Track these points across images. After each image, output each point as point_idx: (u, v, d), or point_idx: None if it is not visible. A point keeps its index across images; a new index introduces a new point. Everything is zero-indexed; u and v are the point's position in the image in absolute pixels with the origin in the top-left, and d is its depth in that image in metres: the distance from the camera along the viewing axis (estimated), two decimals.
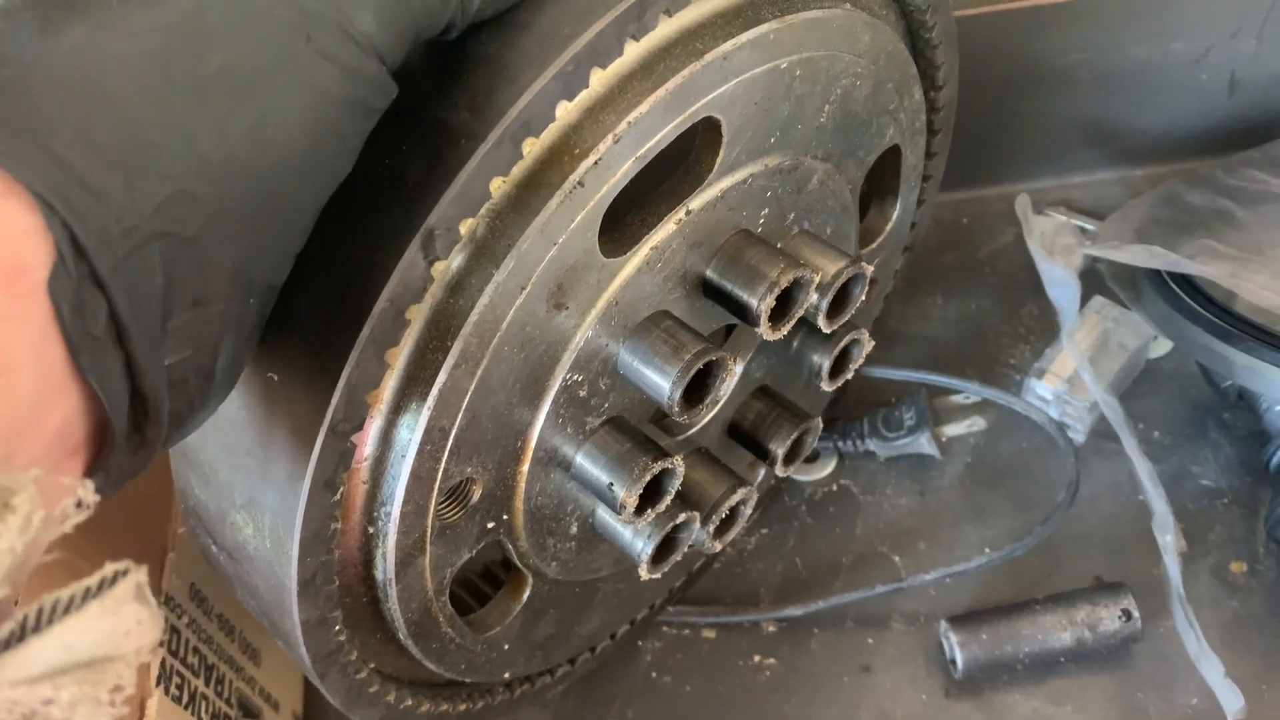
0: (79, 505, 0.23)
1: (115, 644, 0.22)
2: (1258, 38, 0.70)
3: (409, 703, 0.48)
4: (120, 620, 0.22)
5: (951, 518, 0.66)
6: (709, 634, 0.64)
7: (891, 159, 0.52)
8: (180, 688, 0.49)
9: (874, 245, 0.56)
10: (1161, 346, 0.69)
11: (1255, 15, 0.69)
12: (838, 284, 0.46)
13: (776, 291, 0.43)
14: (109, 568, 0.22)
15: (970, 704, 0.59)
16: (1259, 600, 0.61)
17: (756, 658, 0.62)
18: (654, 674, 0.62)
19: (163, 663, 0.48)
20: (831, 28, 0.42)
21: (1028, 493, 0.65)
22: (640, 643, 0.63)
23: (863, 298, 0.48)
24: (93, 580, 0.22)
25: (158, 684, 0.47)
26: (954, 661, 0.59)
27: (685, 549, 0.49)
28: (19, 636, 0.21)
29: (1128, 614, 0.58)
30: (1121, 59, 0.72)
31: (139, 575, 0.22)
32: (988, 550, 0.63)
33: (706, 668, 0.62)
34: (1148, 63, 0.72)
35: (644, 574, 0.47)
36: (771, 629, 0.63)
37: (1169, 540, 0.58)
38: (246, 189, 0.29)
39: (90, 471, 0.28)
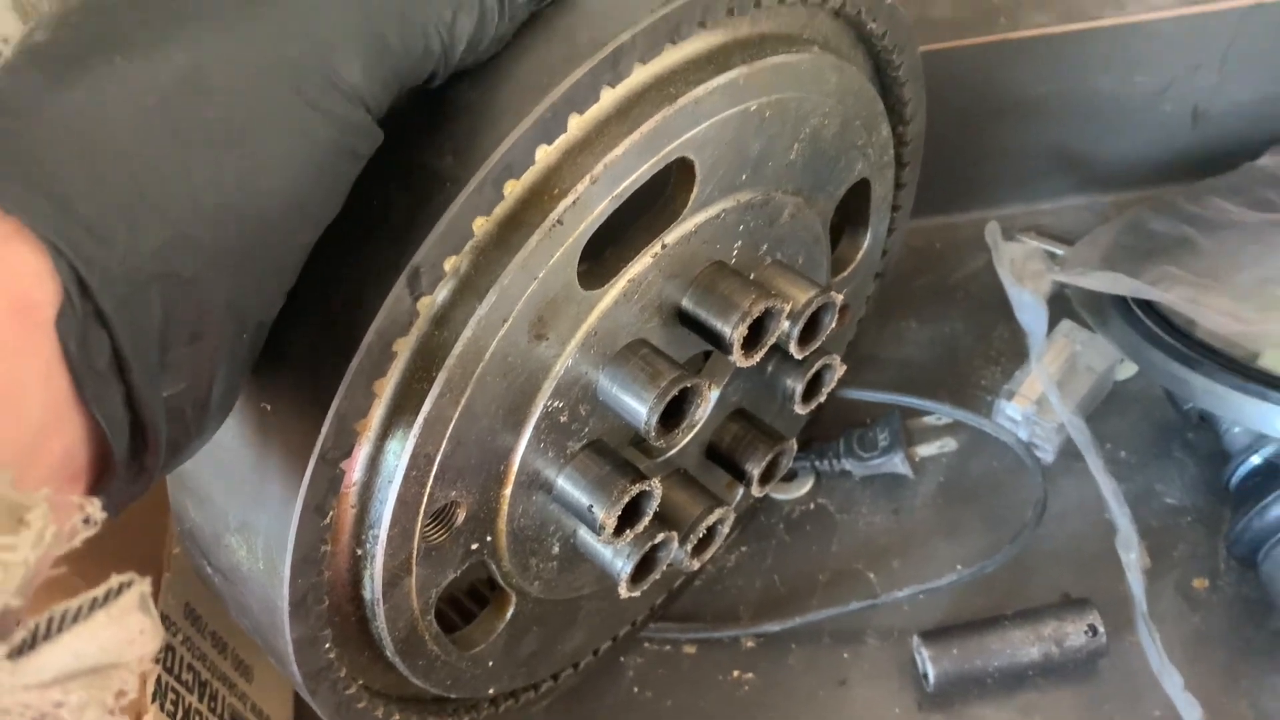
0: (86, 522, 0.24)
1: (120, 651, 0.24)
2: (1218, 72, 0.73)
3: (396, 717, 0.50)
4: (125, 629, 0.23)
5: (924, 535, 0.67)
6: (690, 649, 0.65)
7: (861, 191, 0.54)
8: (175, 703, 0.51)
9: (846, 273, 0.58)
10: (1128, 369, 0.71)
11: (1214, 51, 0.72)
12: (808, 313, 0.48)
13: (749, 321, 0.45)
14: (114, 579, 0.24)
15: (942, 717, 0.61)
16: (1220, 615, 0.62)
17: (736, 672, 0.64)
18: (636, 689, 0.64)
19: (158, 679, 0.49)
20: (799, 71, 0.44)
21: (998, 511, 0.67)
22: (623, 658, 0.65)
23: (833, 325, 0.50)
24: (99, 591, 0.24)
25: (153, 700, 0.49)
26: (926, 675, 0.61)
27: (664, 567, 0.50)
28: (31, 644, 0.23)
29: (1093, 629, 0.60)
30: (1089, 91, 0.74)
31: (143, 586, 0.24)
32: (959, 567, 0.65)
33: (687, 683, 0.64)
34: (1114, 94, 0.74)
35: (623, 592, 0.49)
36: (750, 644, 0.65)
37: (1132, 558, 0.60)
38: (240, 232, 0.30)
39: (91, 496, 0.30)
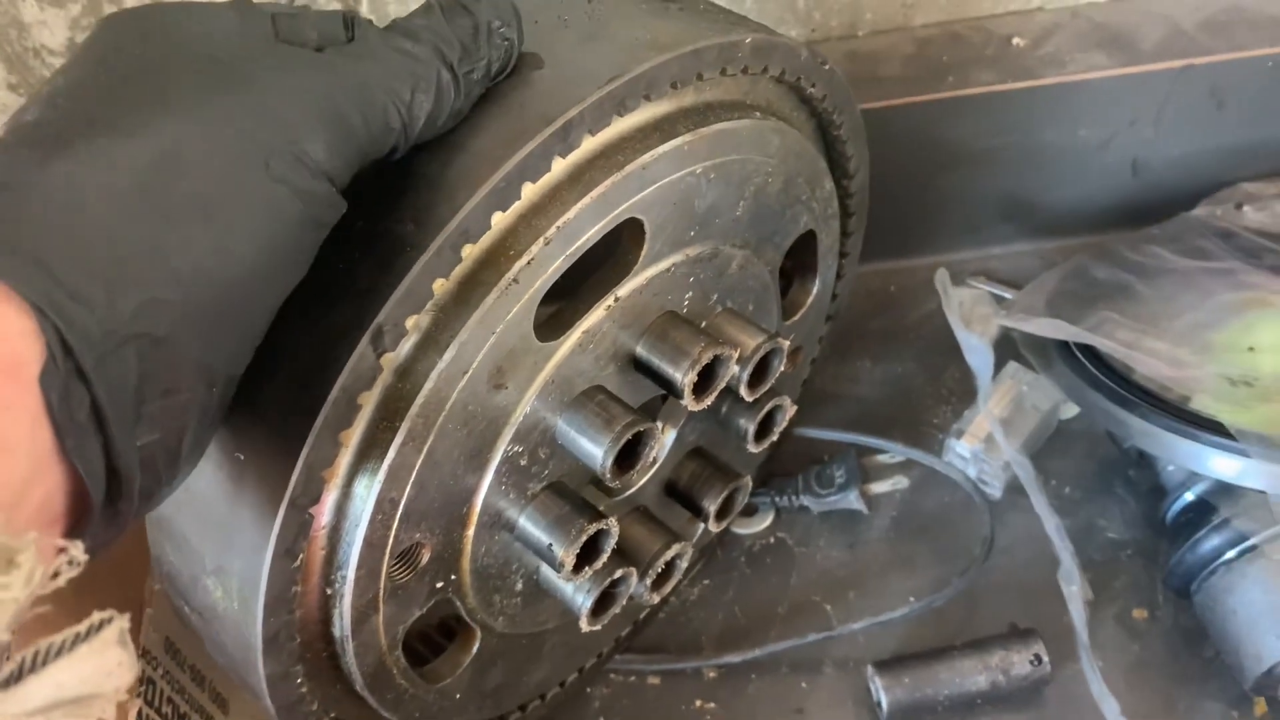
0: (70, 563, 0.26)
1: (99, 683, 0.26)
2: (1154, 127, 0.77)
3: None
4: (104, 662, 0.26)
5: (879, 568, 0.70)
6: (654, 680, 0.68)
7: (808, 241, 0.57)
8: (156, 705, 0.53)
9: (797, 317, 0.61)
10: (1072, 408, 0.74)
11: (1150, 108, 0.76)
12: (756, 358, 0.51)
13: (698, 367, 0.48)
14: (95, 616, 0.26)
15: None
16: (1158, 644, 0.65)
17: (698, 702, 0.66)
18: (602, 719, 0.66)
19: (139, 712, 0.51)
20: (741, 136, 0.47)
21: (948, 545, 0.70)
22: (589, 689, 0.67)
23: (781, 368, 0.53)
24: (81, 627, 0.26)
25: None
26: (880, 704, 0.63)
27: (625, 601, 0.53)
28: (17, 676, 0.25)
29: (1038, 659, 0.63)
30: (1035, 143, 0.78)
31: (121, 622, 0.26)
32: (912, 599, 0.68)
33: (651, 713, 0.66)
34: (1058, 146, 0.78)
35: (585, 626, 0.51)
36: (712, 675, 0.67)
37: (1074, 590, 0.63)
38: (211, 295, 0.33)
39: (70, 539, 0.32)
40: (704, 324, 0.51)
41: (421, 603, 0.47)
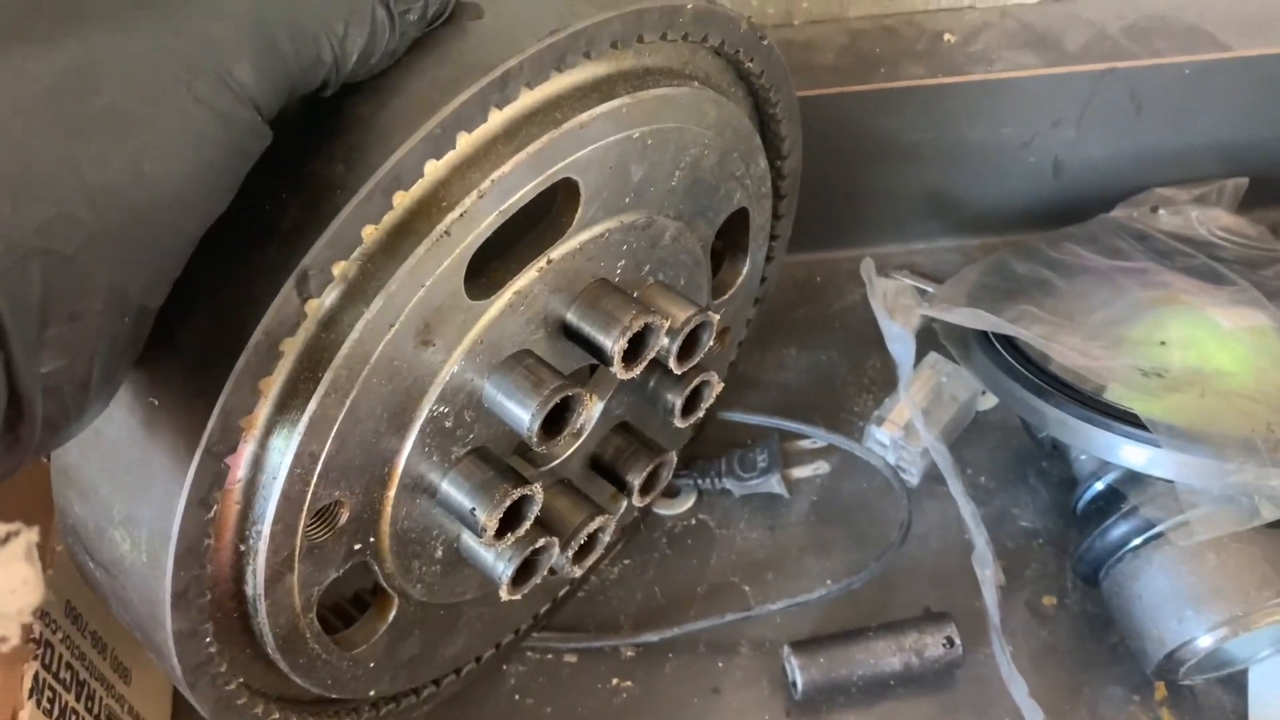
0: None
1: (2, 600, 0.25)
2: (1076, 128, 0.79)
3: (276, 716, 0.50)
4: (9, 577, 0.25)
5: (797, 551, 0.71)
6: (571, 658, 0.67)
7: (740, 219, 0.57)
8: (52, 701, 0.51)
9: (726, 297, 0.61)
10: (989, 400, 0.75)
11: (1073, 109, 0.78)
12: (686, 330, 0.51)
13: (629, 335, 0.47)
14: (1, 528, 0.25)
15: None
16: (1065, 629, 0.67)
17: (615, 680, 0.66)
18: (517, 696, 0.66)
19: (35, 676, 0.49)
20: (679, 104, 0.47)
21: (866, 530, 0.71)
22: (505, 666, 0.67)
23: (711, 343, 0.53)
24: None
25: (29, 696, 0.49)
26: (795, 684, 0.64)
27: (545, 572, 0.52)
28: None
29: (950, 641, 0.64)
30: (960, 140, 0.79)
31: (30, 535, 0.25)
32: (829, 581, 0.68)
33: (567, 691, 0.66)
34: (982, 144, 0.80)
35: (504, 595, 0.51)
36: (630, 654, 0.67)
37: (987, 574, 0.64)
38: (124, 216, 0.32)
39: None
40: (635, 294, 0.51)
41: (338, 564, 0.46)
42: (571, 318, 0.48)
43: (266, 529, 0.42)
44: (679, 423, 0.56)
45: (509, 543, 0.49)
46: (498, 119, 0.40)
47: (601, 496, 0.58)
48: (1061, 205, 0.82)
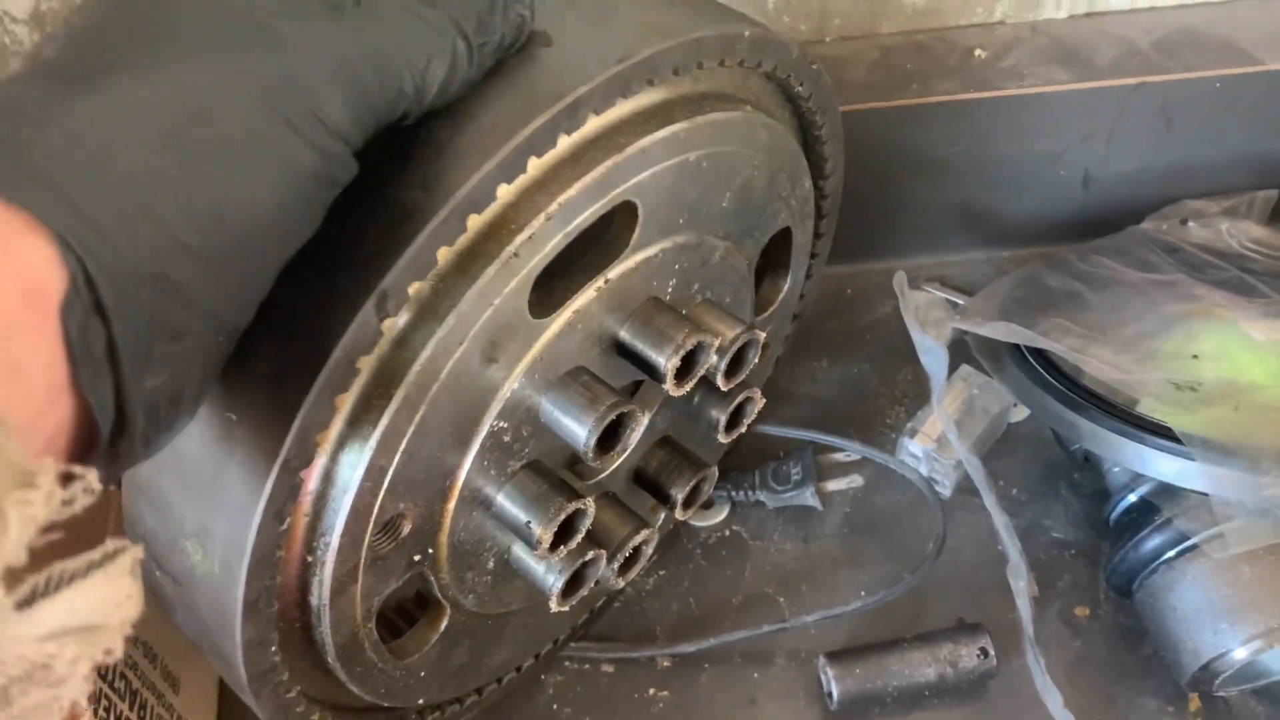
0: (85, 490, 0.26)
1: (109, 613, 0.25)
2: (1106, 142, 0.79)
3: None
4: (116, 592, 0.25)
5: (831, 563, 0.71)
6: (608, 668, 0.68)
7: (783, 238, 0.58)
8: (108, 710, 0.52)
9: (767, 313, 0.62)
10: (1021, 412, 0.76)
11: (1104, 123, 0.78)
12: (734, 347, 0.52)
13: (682, 353, 0.48)
14: (110, 544, 0.26)
15: None
16: (1099, 641, 0.68)
17: (651, 690, 0.67)
18: (555, 705, 0.67)
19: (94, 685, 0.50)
20: (734, 127, 0.48)
21: (900, 541, 0.72)
22: (543, 676, 0.67)
23: (756, 360, 0.54)
24: (96, 554, 0.26)
25: (88, 705, 0.50)
26: (830, 694, 0.65)
27: (592, 584, 0.53)
28: (30, 600, 0.24)
29: (985, 652, 0.65)
30: (991, 154, 0.80)
31: (136, 553, 0.26)
32: (863, 593, 0.69)
33: (605, 700, 0.67)
34: (1013, 158, 0.80)
35: (554, 606, 0.52)
36: (666, 664, 0.68)
37: (1021, 586, 0.65)
38: (225, 243, 0.33)
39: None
40: (685, 312, 0.52)
41: (399, 574, 0.47)
42: (625, 335, 0.49)
43: (335, 540, 0.43)
44: (722, 438, 0.57)
45: (561, 555, 0.50)
46: (565, 144, 0.41)
47: (643, 509, 0.59)
48: (1092, 218, 0.83)
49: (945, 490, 0.73)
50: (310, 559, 0.44)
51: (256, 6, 0.35)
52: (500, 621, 0.57)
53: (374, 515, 0.43)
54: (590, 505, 0.49)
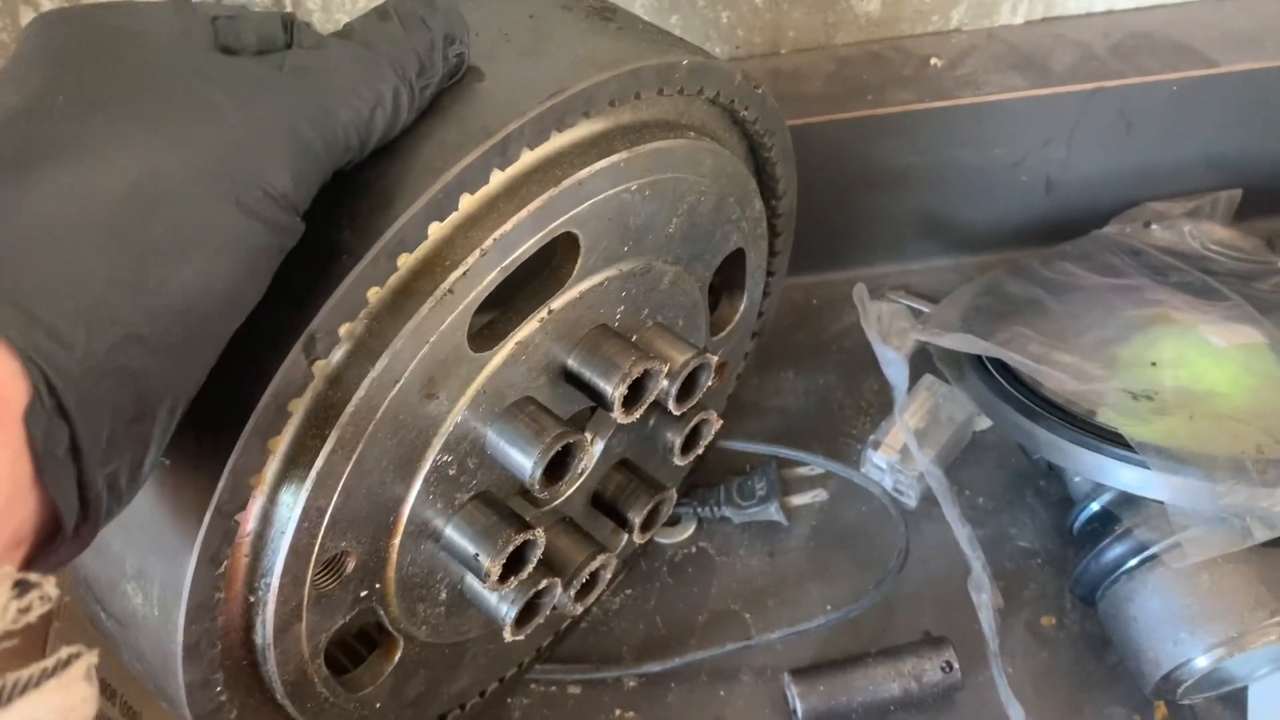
0: (42, 599, 0.26)
1: (63, 716, 0.25)
2: (1066, 146, 0.79)
3: None
4: (69, 697, 0.25)
5: (797, 578, 0.71)
6: (574, 690, 0.68)
7: (737, 260, 0.58)
8: None
9: (724, 333, 0.62)
10: (986, 420, 0.76)
11: (1063, 129, 0.78)
12: (685, 372, 0.51)
13: (629, 381, 0.48)
14: (64, 651, 0.26)
15: None
16: (1065, 650, 0.68)
17: (618, 711, 0.67)
18: None
19: None
20: (676, 155, 0.48)
21: (865, 555, 0.72)
22: (509, 700, 0.67)
23: (709, 383, 0.54)
24: (49, 662, 0.26)
25: None
26: (795, 711, 0.64)
27: (548, 611, 0.53)
28: None
29: (949, 665, 0.65)
30: (951, 162, 0.80)
31: (90, 658, 0.26)
32: (829, 607, 0.69)
33: None
34: (974, 166, 0.80)
35: (508, 636, 0.51)
36: (632, 684, 0.68)
37: (984, 599, 0.65)
38: (180, 328, 0.34)
39: (29, 562, 0.32)
40: (635, 338, 0.51)
41: (345, 611, 0.47)
42: (572, 364, 0.49)
43: (275, 581, 0.42)
44: (679, 461, 0.57)
45: (512, 585, 0.50)
46: (499, 179, 0.41)
47: (603, 532, 0.59)
48: (1055, 222, 0.83)
49: (910, 501, 0.73)
50: (252, 599, 0.43)
51: (192, 75, 0.35)
52: (458, 650, 0.56)
53: (315, 554, 0.43)
54: (540, 536, 0.49)
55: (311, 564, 0.43)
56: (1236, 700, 0.64)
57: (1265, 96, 0.79)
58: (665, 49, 0.47)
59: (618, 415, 0.49)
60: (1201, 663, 0.60)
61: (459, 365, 0.43)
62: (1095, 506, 0.66)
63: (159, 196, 0.33)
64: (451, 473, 0.46)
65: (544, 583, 0.51)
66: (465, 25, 0.41)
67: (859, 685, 0.64)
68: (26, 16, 0.70)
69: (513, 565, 0.49)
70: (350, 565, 0.45)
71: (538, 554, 0.49)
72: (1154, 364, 0.68)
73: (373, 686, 0.52)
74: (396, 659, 0.52)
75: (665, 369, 0.50)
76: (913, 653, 0.65)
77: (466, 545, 0.48)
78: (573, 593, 0.53)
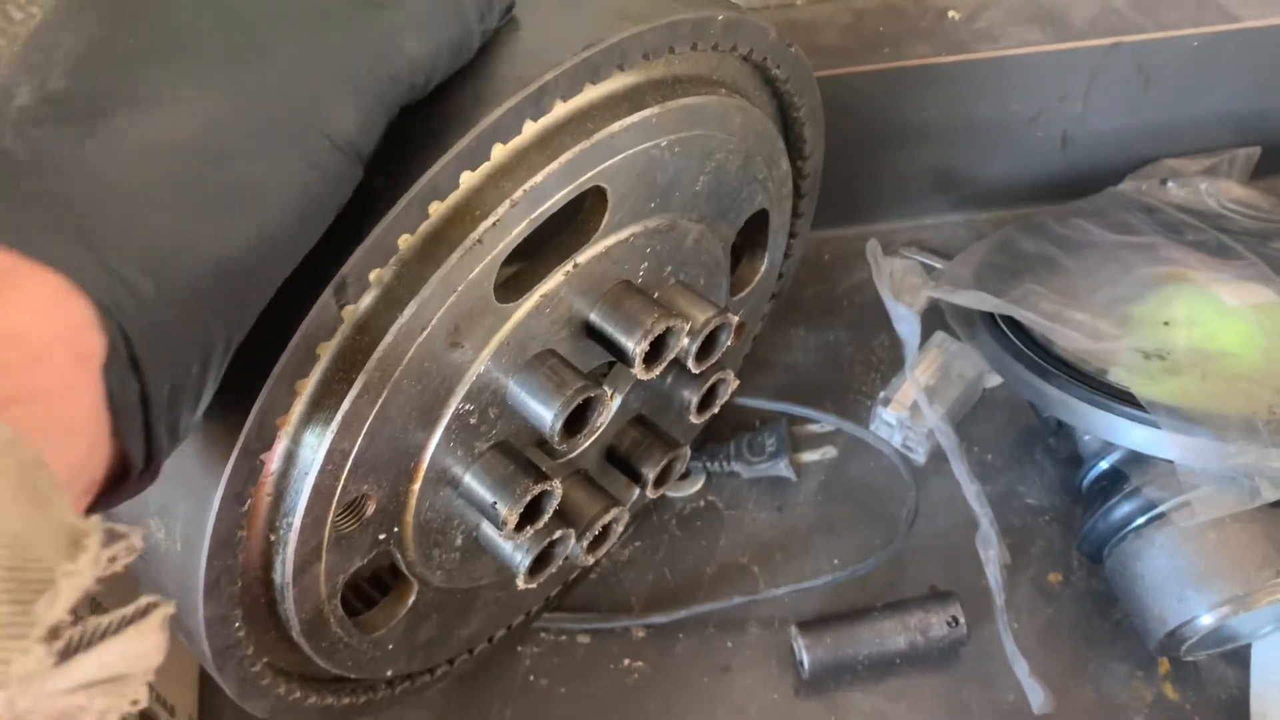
0: (128, 550, 0.27)
1: (136, 664, 0.26)
2: (1083, 101, 0.79)
3: (297, 695, 0.52)
4: (145, 645, 0.26)
5: (805, 532, 0.72)
6: (584, 639, 0.68)
7: (760, 219, 0.58)
8: None
9: (744, 294, 0.61)
10: (996, 377, 0.76)
11: (1080, 83, 0.78)
12: (705, 331, 0.51)
13: (650, 338, 0.48)
14: (144, 600, 0.27)
15: (817, 701, 0.65)
16: (1070, 607, 0.68)
17: (626, 661, 0.67)
18: (531, 677, 0.67)
19: None
20: (707, 112, 0.47)
21: (874, 509, 0.72)
22: (519, 648, 0.68)
23: (729, 342, 0.54)
24: (129, 610, 0.26)
25: None
26: (802, 663, 0.65)
27: (561, 561, 0.53)
28: (65, 654, 0.25)
29: (955, 620, 0.65)
30: (967, 117, 0.79)
31: (168, 608, 0.27)
32: (836, 561, 0.69)
33: (580, 671, 0.67)
34: (990, 120, 0.80)
35: (521, 584, 0.52)
36: (641, 634, 0.68)
37: (991, 555, 0.65)
38: (241, 278, 0.34)
39: (91, 508, 0.33)
40: (657, 295, 0.51)
41: (364, 553, 0.47)
42: (595, 319, 0.48)
43: (297, 521, 0.43)
44: (694, 419, 0.57)
45: (528, 535, 0.50)
46: (531, 130, 0.40)
47: (615, 486, 0.59)
48: (1071, 178, 0.83)
49: (920, 457, 0.73)
50: (273, 538, 0.43)
51: (260, 19, 0.35)
52: (470, 595, 0.57)
53: (337, 496, 0.43)
54: (557, 487, 0.49)
55: (333, 506, 0.43)
56: (1240, 658, 0.65)
57: None
58: (701, 4, 0.46)
59: (638, 371, 0.49)
60: (1206, 620, 0.60)
61: (484, 316, 0.43)
62: (1104, 465, 0.66)
63: (225, 151, 0.33)
64: (473, 421, 0.46)
65: (558, 533, 0.51)
66: None
67: (865, 638, 0.65)
68: None
69: (529, 514, 0.49)
70: (370, 508, 0.46)
71: (554, 504, 0.50)
72: (1167, 323, 0.68)
73: (386, 628, 0.52)
74: (410, 603, 0.52)
75: (686, 327, 0.50)
76: (919, 607, 0.66)
77: (485, 493, 0.48)
78: (585, 544, 0.54)
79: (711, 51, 0.48)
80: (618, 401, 0.56)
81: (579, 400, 0.46)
